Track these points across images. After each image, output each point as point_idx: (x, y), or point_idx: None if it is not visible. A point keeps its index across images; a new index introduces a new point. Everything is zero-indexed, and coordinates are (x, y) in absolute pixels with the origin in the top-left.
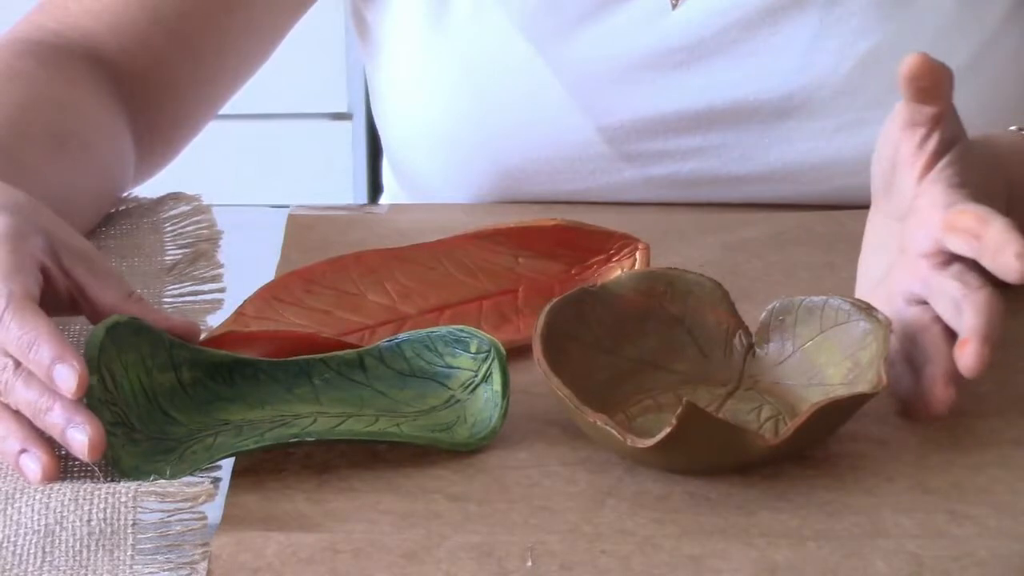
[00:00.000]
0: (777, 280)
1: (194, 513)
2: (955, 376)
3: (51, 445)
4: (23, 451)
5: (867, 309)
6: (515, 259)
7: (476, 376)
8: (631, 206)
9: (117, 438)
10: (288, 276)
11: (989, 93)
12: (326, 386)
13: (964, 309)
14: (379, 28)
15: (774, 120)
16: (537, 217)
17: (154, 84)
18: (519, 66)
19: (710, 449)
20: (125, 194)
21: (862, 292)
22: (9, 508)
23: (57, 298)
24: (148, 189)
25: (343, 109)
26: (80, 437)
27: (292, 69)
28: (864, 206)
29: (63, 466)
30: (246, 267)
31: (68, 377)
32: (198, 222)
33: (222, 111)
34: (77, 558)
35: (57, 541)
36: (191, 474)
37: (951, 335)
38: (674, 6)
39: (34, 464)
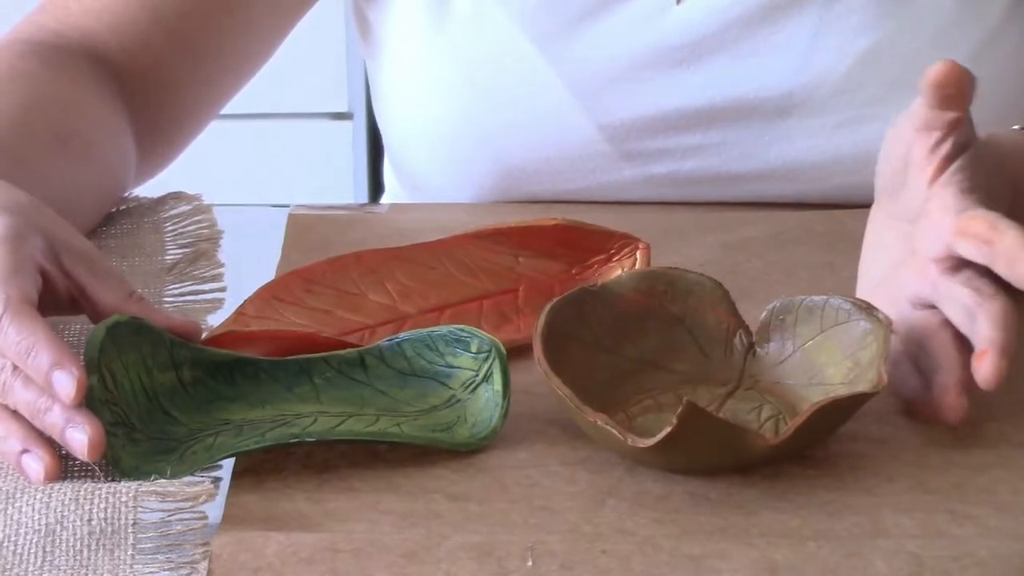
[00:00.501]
0: (777, 280)
1: (195, 513)
2: (967, 385)
3: (52, 445)
4: (24, 451)
5: (868, 309)
6: (515, 259)
7: (477, 376)
8: (631, 205)
9: (117, 438)
10: (288, 276)
11: (989, 91)
12: (327, 385)
13: (979, 319)
14: (381, 27)
15: (774, 118)
16: (537, 216)
17: (155, 84)
18: (520, 65)
19: (710, 449)
20: (126, 194)
21: (863, 291)
22: (10, 507)
23: (57, 299)
24: (149, 189)
25: (344, 109)
26: (80, 437)
27: (293, 69)
28: (864, 205)
29: (64, 466)
30: (246, 267)
31: (67, 383)
32: (199, 222)
33: (223, 111)
34: (78, 557)
35: (58, 540)
36: (191, 474)
37: (961, 341)
38: (678, 1)
39: (36, 464)
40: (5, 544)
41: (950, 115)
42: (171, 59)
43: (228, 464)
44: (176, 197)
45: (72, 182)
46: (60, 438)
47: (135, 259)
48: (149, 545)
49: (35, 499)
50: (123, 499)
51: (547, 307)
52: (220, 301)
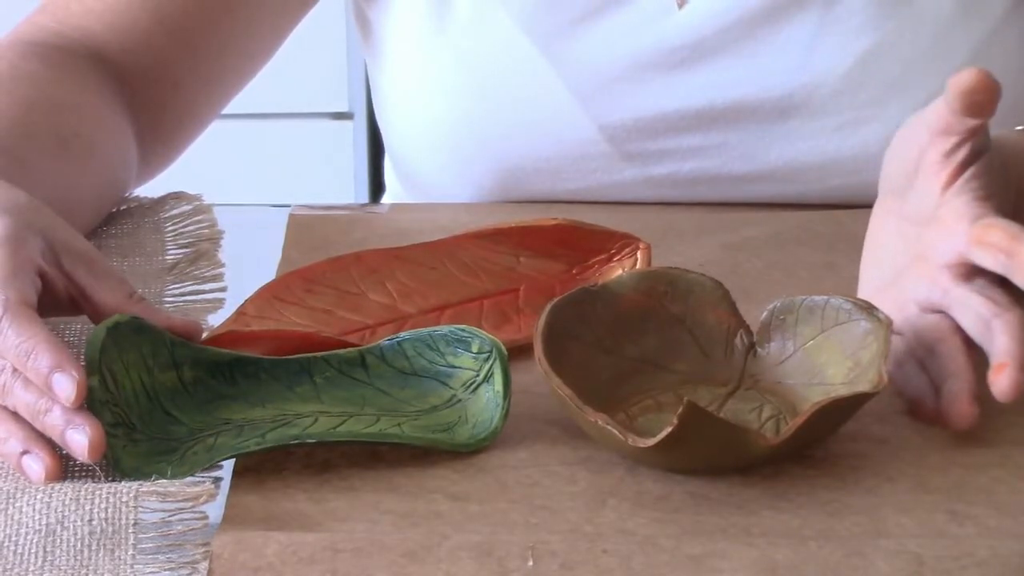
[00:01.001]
0: (777, 280)
1: (195, 513)
2: (978, 393)
3: (53, 446)
4: (25, 452)
5: (868, 308)
6: (516, 258)
7: (477, 376)
8: (632, 205)
9: (118, 439)
10: (289, 275)
11: None
12: (327, 385)
13: (996, 330)
14: (381, 27)
15: (775, 119)
16: (538, 216)
17: (156, 84)
18: (521, 65)
19: (711, 449)
20: (127, 194)
21: (867, 291)
22: (10, 507)
23: (57, 300)
24: (149, 189)
25: (344, 108)
26: (80, 438)
27: (293, 69)
28: (864, 205)
29: (64, 467)
30: (247, 266)
31: (67, 386)
32: (199, 222)
33: (223, 111)
34: (78, 557)
35: (58, 541)
36: (192, 474)
37: (971, 348)
38: (680, 6)
39: (37, 465)
40: (6, 544)
41: (973, 122)
42: (172, 59)
43: (228, 464)
44: (176, 197)
45: (73, 182)
46: (60, 439)
47: (135, 259)
48: (150, 545)
49: (36, 499)
50: (124, 499)
51: (547, 307)
52: (220, 301)
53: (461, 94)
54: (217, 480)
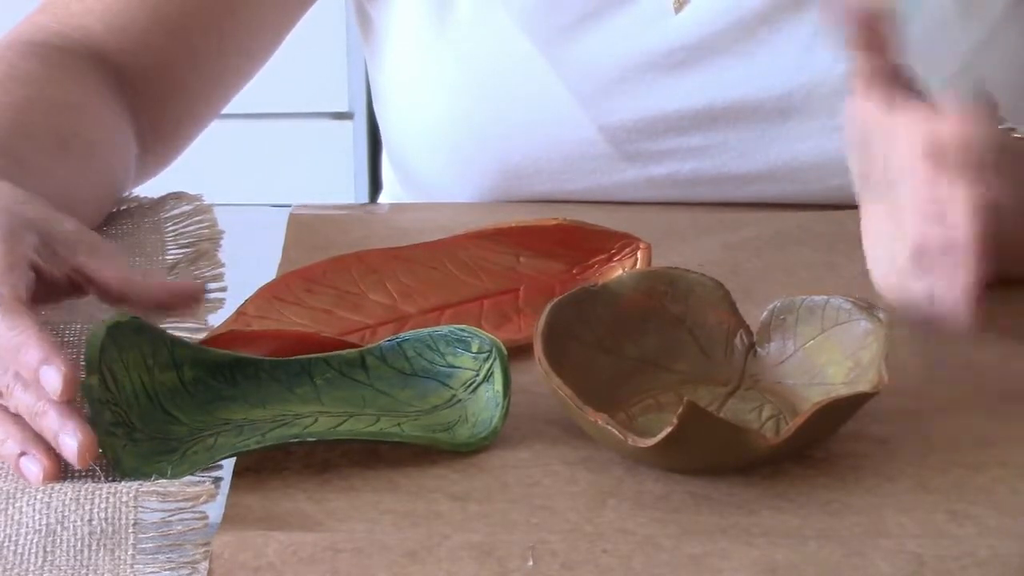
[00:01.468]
0: (777, 280)
1: (195, 513)
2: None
3: (51, 447)
4: (23, 454)
5: (868, 309)
6: (516, 258)
7: (478, 376)
8: (632, 205)
9: (118, 438)
10: (289, 275)
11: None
12: (327, 385)
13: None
14: (382, 25)
15: (775, 119)
16: (538, 216)
17: (156, 83)
18: (521, 66)
19: (711, 449)
20: (127, 193)
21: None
22: (10, 507)
23: (55, 288)
24: (149, 188)
25: (344, 108)
26: (70, 443)
27: (293, 68)
28: None
29: (63, 468)
30: (247, 266)
31: (54, 379)
32: (199, 221)
33: (223, 110)
34: (78, 557)
35: (58, 540)
36: (192, 474)
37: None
38: (677, 10)
39: (34, 467)
40: (6, 544)
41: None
42: (172, 59)
43: (229, 464)
44: (176, 197)
45: (73, 182)
46: (54, 443)
47: (135, 259)
48: (150, 545)
49: (36, 499)
50: (124, 499)
51: (548, 307)
52: (221, 301)
53: (461, 94)
54: (217, 480)
